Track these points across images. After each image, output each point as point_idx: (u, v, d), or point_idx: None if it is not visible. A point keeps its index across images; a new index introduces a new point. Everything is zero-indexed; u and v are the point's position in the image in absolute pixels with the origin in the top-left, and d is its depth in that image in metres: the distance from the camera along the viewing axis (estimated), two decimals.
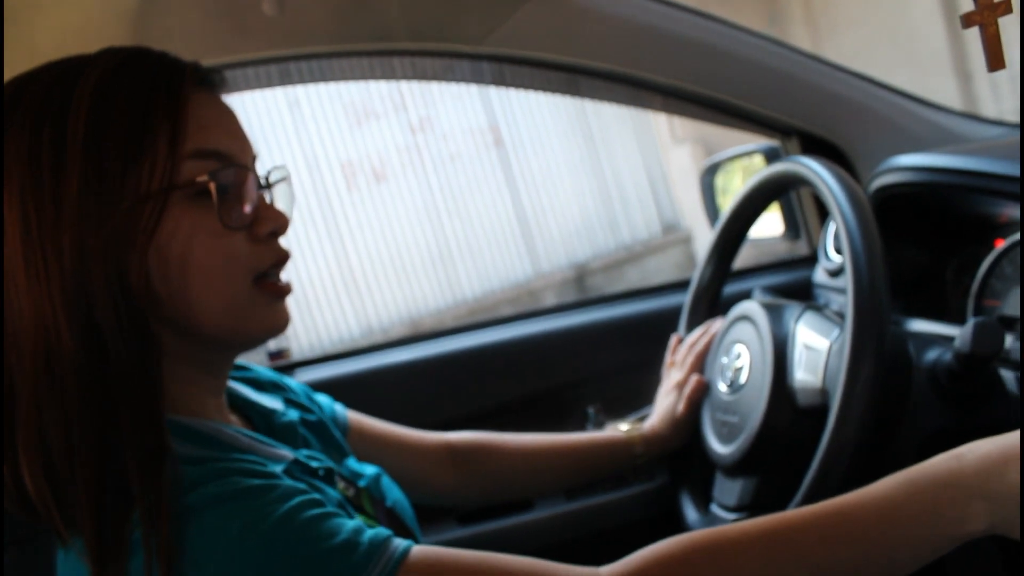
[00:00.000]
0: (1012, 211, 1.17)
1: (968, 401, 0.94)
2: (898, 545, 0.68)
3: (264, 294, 0.76)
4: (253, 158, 0.78)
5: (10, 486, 0.67)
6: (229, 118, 0.76)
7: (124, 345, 0.66)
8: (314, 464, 0.82)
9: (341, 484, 0.86)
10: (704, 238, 6.87)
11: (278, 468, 0.74)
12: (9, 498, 0.68)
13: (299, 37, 1.24)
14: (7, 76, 0.73)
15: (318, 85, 6.21)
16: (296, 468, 0.79)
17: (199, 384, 0.78)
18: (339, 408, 1.06)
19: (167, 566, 0.62)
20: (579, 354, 1.47)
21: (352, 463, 0.96)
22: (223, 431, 0.76)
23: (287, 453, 0.80)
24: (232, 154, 0.74)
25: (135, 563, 0.63)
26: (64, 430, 0.65)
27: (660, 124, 7.23)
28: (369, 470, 0.96)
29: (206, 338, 0.74)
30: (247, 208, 0.74)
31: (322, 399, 1.04)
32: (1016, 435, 0.67)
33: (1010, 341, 0.96)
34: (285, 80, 1.36)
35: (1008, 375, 0.94)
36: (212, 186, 0.71)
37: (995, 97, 5.05)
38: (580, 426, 1.44)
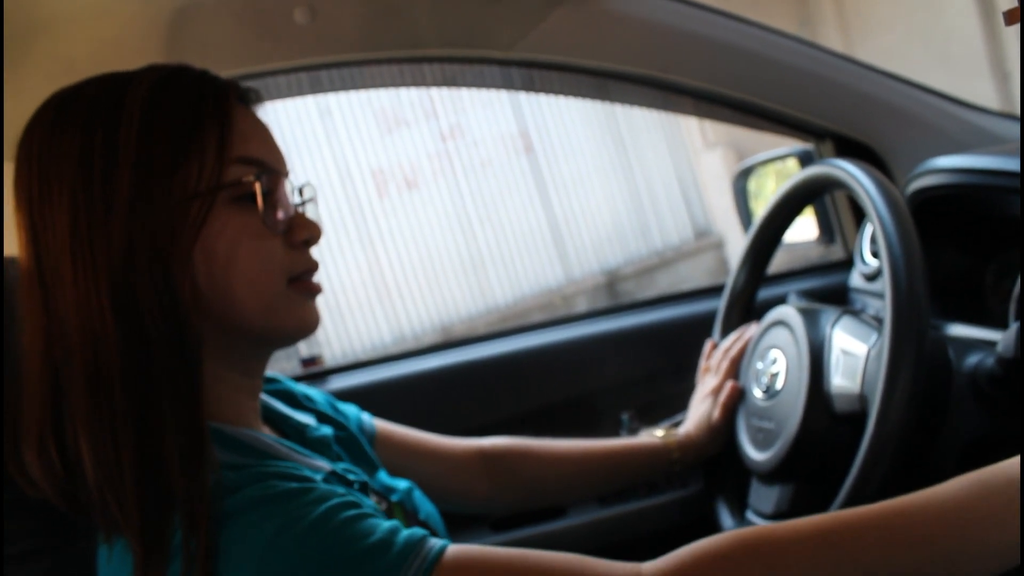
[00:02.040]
0: None
1: (1010, 407, 0.92)
2: (963, 551, 0.64)
3: (298, 293, 0.79)
4: (287, 172, 0.82)
5: (61, 475, 0.69)
6: (267, 132, 0.80)
7: (167, 340, 0.69)
8: (350, 476, 0.83)
9: (374, 498, 0.87)
10: (736, 243, 6.82)
11: (317, 477, 0.75)
12: (56, 490, 0.70)
13: (330, 45, 1.24)
14: (47, 88, 0.75)
15: (349, 93, 6.25)
16: (333, 478, 0.80)
17: (236, 386, 0.79)
18: (366, 417, 1.07)
19: (206, 569, 0.62)
20: (612, 360, 1.46)
21: (384, 477, 0.96)
22: (261, 439, 0.77)
23: (324, 464, 0.81)
24: (271, 164, 0.78)
25: (173, 567, 0.64)
26: (111, 427, 0.67)
27: (691, 129, 7.18)
28: (401, 484, 0.96)
29: (245, 334, 0.77)
30: (283, 215, 0.78)
31: (348, 408, 1.05)
32: None
33: None
34: (316, 88, 1.37)
35: None
36: (257, 186, 0.74)
37: None
38: (614, 432, 1.43)
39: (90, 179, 0.69)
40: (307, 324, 0.80)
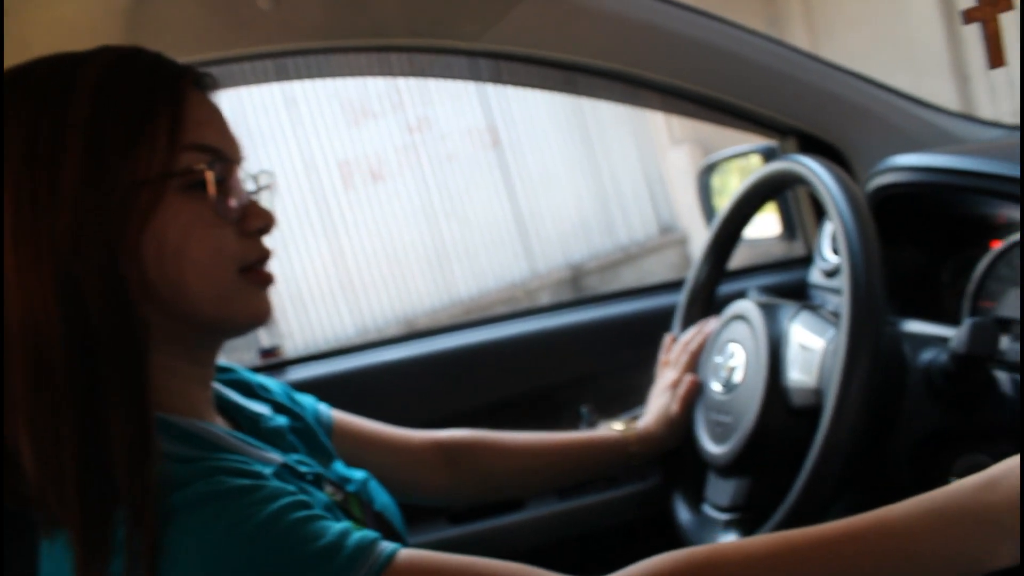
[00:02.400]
0: (1009, 212, 1.16)
1: (963, 403, 0.94)
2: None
3: (250, 282, 0.77)
4: (241, 160, 0.80)
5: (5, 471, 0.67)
6: (221, 119, 0.78)
7: (113, 332, 0.67)
8: (303, 468, 0.82)
9: (329, 489, 0.86)
10: (700, 239, 6.85)
11: (267, 471, 0.74)
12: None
13: (295, 32, 1.23)
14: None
15: (315, 83, 6.19)
16: (285, 472, 0.79)
17: (186, 376, 0.78)
18: (323, 408, 1.05)
19: (150, 566, 0.61)
20: (573, 353, 1.46)
21: (340, 467, 0.95)
22: (211, 431, 0.76)
23: (276, 457, 0.79)
24: (225, 152, 0.76)
25: (117, 562, 0.62)
26: (52, 419, 0.65)
27: (658, 125, 7.21)
28: (357, 475, 0.95)
29: (195, 324, 0.75)
30: (237, 203, 0.77)
31: (305, 399, 1.04)
32: None
33: (1006, 343, 0.95)
34: (282, 76, 1.35)
35: (1003, 377, 0.94)
36: (209, 175, 0.73)
37: (992, 100, 5.06)
38: (573, 425, 1.44)
39: (36, 163, 0.67)
40: (259, 314, 0.79)
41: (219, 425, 0.79)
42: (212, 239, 0.73)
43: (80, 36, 1.10)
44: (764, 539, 0.68)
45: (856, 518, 0.67)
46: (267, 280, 0.79)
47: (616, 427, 1.20)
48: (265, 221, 0.78)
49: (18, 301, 0.66)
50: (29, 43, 1.07)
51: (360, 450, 1.05)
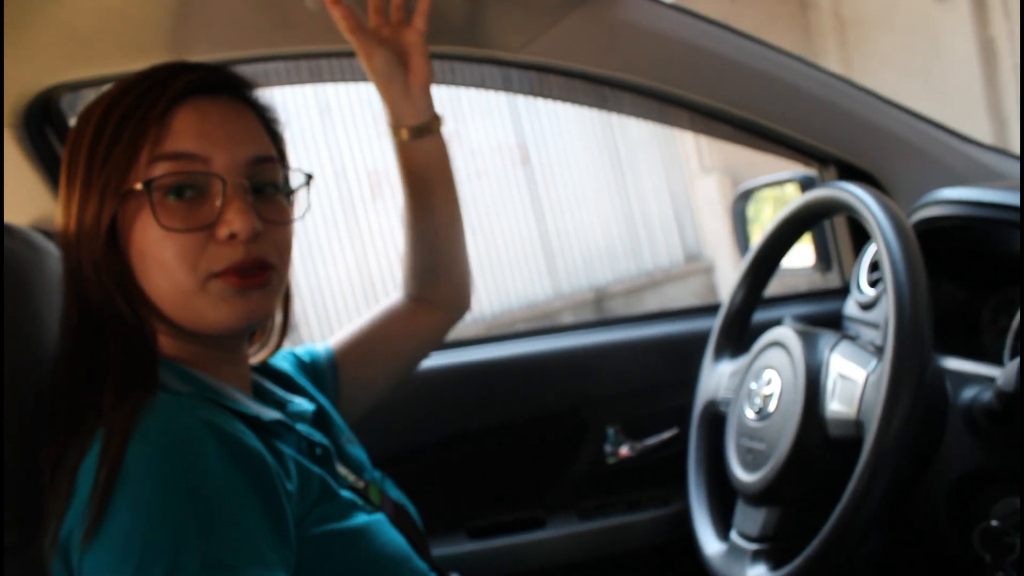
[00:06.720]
0: None
1: (1004, 444, 0.91)
2: None
3: (219, 287, 0.80)
4: (246, 161, 0.82)
5: None
6: (211, 123, 0.82)
7: (110, 312, 0.80)
8: (310, 436, 0.88)
9: (352, 477, 0.90)
10: (726, 269, 6.83)
11: (266, 418, 0.81)
12: None
13: (338, 34, 1.22)
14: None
15: (349, 90, 6.23)
16: (278, 426, 0.84)
17: (210, 356, 0.85)
18: (322, 349, 1.11)
19: (112, 472, 0.67)
20: (602, 373, 1.44)
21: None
22: (219, 383, 0.83)
23: (275, 414, 0.85)
24: (200, 155, 0.80)
25: (89, 460, 0.70)
26: (70, 344, 0.81)
27: (688, 153, 7.20)
28: (375, 475, 0.99)
29: (175, 325, 0.82)
30: (207, 210, 0.80)
31: (304, 353, 1.09)
32: None
33: None
34: (315, 77, 1.35)
35: None
36: (147, 192, 0.78)
37: None
38: (599, 445, 1.42)
39: (68, 177, 0.82)
40: (225, 321, 0.82)
41: (235, 387, 0.86)
42: (170, 245, 0.79)
43: (128, 25, 1.11)
44: None
45: None
46: (238, 284, 0.81)
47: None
48: (231, 229, 0.80)
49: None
50: (76, 30, 1.07)
51: (369, 352, 1.13)
